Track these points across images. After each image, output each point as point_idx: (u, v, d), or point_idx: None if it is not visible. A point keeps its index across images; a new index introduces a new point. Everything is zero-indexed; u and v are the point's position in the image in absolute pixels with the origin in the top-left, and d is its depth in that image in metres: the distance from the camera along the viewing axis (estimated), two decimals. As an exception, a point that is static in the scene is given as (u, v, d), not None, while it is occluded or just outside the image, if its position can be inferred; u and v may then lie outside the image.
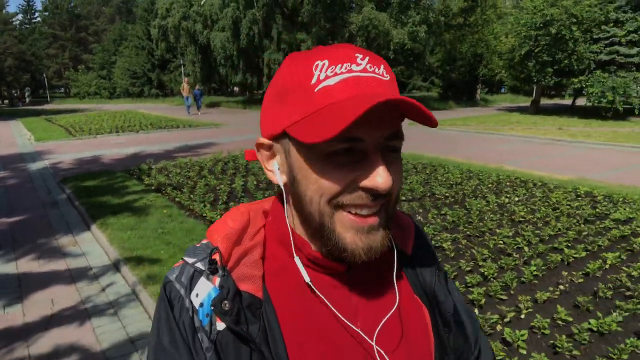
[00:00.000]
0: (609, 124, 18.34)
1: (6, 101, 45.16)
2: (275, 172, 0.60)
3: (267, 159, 0.62)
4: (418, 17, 23.78)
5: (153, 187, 7.11)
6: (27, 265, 4.45)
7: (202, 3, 29.24)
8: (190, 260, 0.62)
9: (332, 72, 0.53)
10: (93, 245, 4.95)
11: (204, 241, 0.64)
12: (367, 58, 0.55)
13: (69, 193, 7.03)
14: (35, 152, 11.84)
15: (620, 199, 6.03)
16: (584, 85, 21.46)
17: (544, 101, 34.26)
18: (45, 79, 53.26)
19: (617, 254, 4.12)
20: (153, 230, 5.12)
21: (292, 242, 0.61)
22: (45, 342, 3.12)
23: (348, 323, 0.60)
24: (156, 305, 0.63)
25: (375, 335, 0.62)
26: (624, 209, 5.52)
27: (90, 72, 51.79)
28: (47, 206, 6.55)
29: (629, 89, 20.00)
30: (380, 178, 0.52)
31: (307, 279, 0.59)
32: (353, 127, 0.49)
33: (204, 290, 0.59)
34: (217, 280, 0.59)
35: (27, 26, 62.73)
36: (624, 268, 3.92)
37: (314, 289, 0.60)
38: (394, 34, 23.53)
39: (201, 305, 0.58)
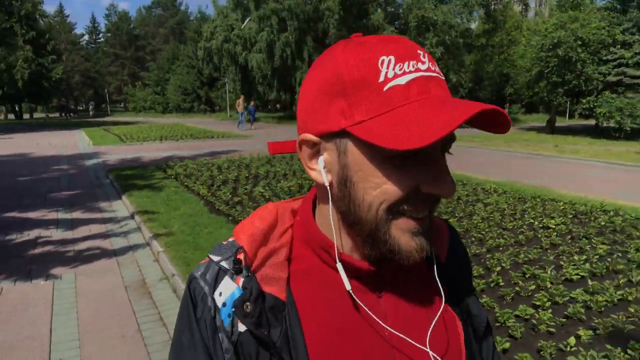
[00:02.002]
0: (614, 143, 19.24)
1: (70, 114, 50.27)
2: (321, 171, 0.56)
3: (309, 157, 0.58)
4: (435, 39, 25.66)
5: (172, 176, 9.55)
6: (78, 215, 6.90)
7: (242, 27, 32.40)
8: (215, 258, 0.61)
9: (400, 70, 0.50)
10: (121, 206, 7.39)
11: (231, 239, 0.64)
12: (427, 55, 0.54)
13: (111, 178, 9.59)
14: (92, 152, 14.75)
15: (512, 192, 7.83)
16: (593, 106, 22.48)
17: (577, 122, 34.89)
18: (107, 94, 58.61)
19: (457, 218, 6.05)
20: (161, 198, 7.49)
21: (335, 249, 0.58)
22: (83, 245, 5.47)
23: (386, 326, 0.59)
24: (181, 301, 0.63)
25: (428, 341, 0.60)
26: (500, 198, 7.35)
27: (146, 88, 56.63)
28: (95, 186, 9.10)
29: (635, 110, 20.88)
30: (447, 185, 0.52)
31: (348, 286, 0.57)
32: None
33: (228, 290, 0.58)
34: (241, 280, 0.58)
35: (93, 46, 69.21)
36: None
37: (354, 296, 0.58)
38: (411, 55, 25.52)
39: (224, 304, 0.58)
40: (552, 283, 3.93)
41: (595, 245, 4.96)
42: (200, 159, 12.41)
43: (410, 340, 0.59)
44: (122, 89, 64.41)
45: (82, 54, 61.09)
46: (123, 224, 6.37)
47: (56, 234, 5.95)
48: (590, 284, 3.91)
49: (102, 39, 70.46)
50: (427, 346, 0.60)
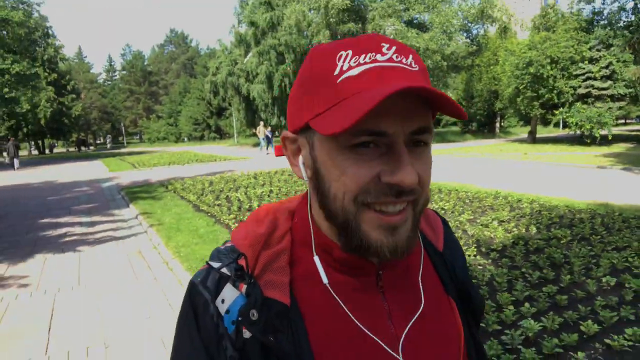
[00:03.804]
0: (584, 149, 20.84)
1: (85, 147, 53.43)
2: (300, 166, 0.59)
3: (292, 154, 0.61)
4: (418, 64, 27.83)
5: (171, 190, 11.67)
6: (95, 218, 9.02)
7: (244, 61, 35.10)
8: (215, 264, 0.61)
9: (355, 62, 0.52)
10: (128, 212, 9.51)
11: (228, 244, 0.64)
12: (394, 47, 0.54)
13: (122, 194, 11.76)
14: (107, 177, 17.05)
15: (436, 188, 9.73)
16: (565, 117, 24.31)
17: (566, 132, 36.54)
18: (123, 127, 62.01)
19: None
20: (160, 204, 9.58)
21: (312, 241, 0.61)
22: (99, 235, 7.55)
23: (367, 332, 0.60)
24: (180, 308, 0.63)
25: (402, 342, 0.61)
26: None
27: (159, 120, 59.96)
28: (109, 200, 11.27)
29: (602, 118, 22.62)
30: (404, 173, 0.51)
31: (325, 280, 0.59)
32: (376, 120, 0.49)
33: (231, 297, 0.59)
34: (244, 287, 0.59)
35: (109, 83, 73.27)
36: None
37: (332, 292, 0.60)
38: (397, 80, 27.70)
39: (227, 312, 0.58)
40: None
41: (461, 215, 6.88)
42: (198, 177, 14.55)
43: (387, 348, 0.60)
44: (137, 122, 67.99)
45: (100, 91, 64.89)
46: (129, 222, 8.47)
47: (79, 230, 8.05)
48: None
49: (117, 76, 74.60)
50: (399, 354, 0.60)
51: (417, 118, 0.53)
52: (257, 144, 29.85)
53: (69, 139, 52.48)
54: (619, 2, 26.07)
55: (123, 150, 45.65)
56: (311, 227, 0.61)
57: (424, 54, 28.02)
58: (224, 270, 0.60)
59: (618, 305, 3.63)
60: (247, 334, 0.57)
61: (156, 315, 4.21)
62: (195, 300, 0.61)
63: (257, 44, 32.48)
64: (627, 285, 3.99)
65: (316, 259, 0.60)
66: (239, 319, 0.57)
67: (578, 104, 24.06)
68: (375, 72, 0.52)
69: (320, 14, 29.00)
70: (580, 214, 6.79)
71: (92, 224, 8.49)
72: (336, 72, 0.53)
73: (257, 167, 17.60)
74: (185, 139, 55.48)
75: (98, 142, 67.15)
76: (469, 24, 32.77)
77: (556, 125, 27.96)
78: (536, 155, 18.44)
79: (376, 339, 0.60)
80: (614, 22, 25.58)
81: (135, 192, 11.78)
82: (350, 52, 0.53)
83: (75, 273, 5.58)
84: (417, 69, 0.54)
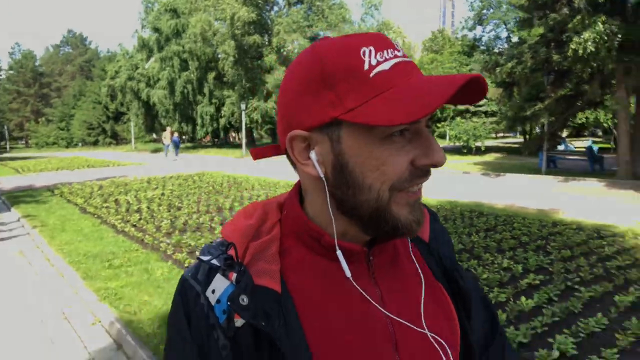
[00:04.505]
0: (462, 158, 23.21)
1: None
2: (315, 163, 0.58)
3: (300, 153, 0.59)
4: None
5: (58, 194, 11.44)
6: (-28, 221, 8.74)
7: (146, 66, 34.31)
8: (205, 257, 0.62)
9: (382, 57, 0.54)
10: (9, 215, 9.30)
11: (219, 239, 0.65)
12: (399, 45, 0.58)
13: (3, 199, 11.31)
14: (-14, 183, 15.99)
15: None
16: (446, 130, 27.10)
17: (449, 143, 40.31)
18: (7, 131, 56.83)
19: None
20: (44, 207, 9.48)
21: (335, 237, 0.60)
22: (-24, 236, 7.43)
23: (382, 309, 0.61)
24: (172, 303, 0.63)
25: (424, 322, 0.63)
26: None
27: (49, 124, 55.85)
28: (-12, 205, 10.82)
29: (477, 131, 25.53)
30: (439, 154, 0.55)
31: (348, 273, 0.60)
32: None
33: (221, 287, 0.59)
34: (234, 276, 0.59)
35: (-8, 82, 66.72)
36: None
37: (354, 283, 0.61)
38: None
39: (218, 301, 0.58)
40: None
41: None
42: (87, 182, 14.24)
43: (410, 325, 0.62)
44: (24, 125, 62.61)
45: (-21, 91, 58.96)
46: (9, 225, 8.35)
47: (-47, 232, 7.82)
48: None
49: (3, 76, 68.24)
50: (425, 327, 0.62)
51: None
52: (157, 150, 29.30)
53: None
54: (495, 32, 30.09)
55: (6, 155, 42.00)
56: (331, 216, 0.60)
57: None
58: (214, 261, 0.61)
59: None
60: (238, 322, 0.57)
61: (35, 306, 4.53)
62: (186, 294, 0.61)
63: (160, 50, 32.04)
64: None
65: (339, 252, 0.60)
66: (229, 303, 0.57)
67: (458, 118, 26.92)
68: (401, 66, 0.55)
69: (226, 24, 29.38)
70: (429, 212, 8.04)
71: (-32, 227, 8.25)
72: (366, 67, 0.54)
73: (153, 172, 17.50)
74: (80, 144, 52.34)
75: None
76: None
77: (441, 137, 30.83)
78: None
79: (383, 310, 0.62)
80: (490, 48, 29.31)
81: (17, 197, 11.38)
82: (372, 48, 0.55)
83: (-52, 271, 5.60)
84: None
